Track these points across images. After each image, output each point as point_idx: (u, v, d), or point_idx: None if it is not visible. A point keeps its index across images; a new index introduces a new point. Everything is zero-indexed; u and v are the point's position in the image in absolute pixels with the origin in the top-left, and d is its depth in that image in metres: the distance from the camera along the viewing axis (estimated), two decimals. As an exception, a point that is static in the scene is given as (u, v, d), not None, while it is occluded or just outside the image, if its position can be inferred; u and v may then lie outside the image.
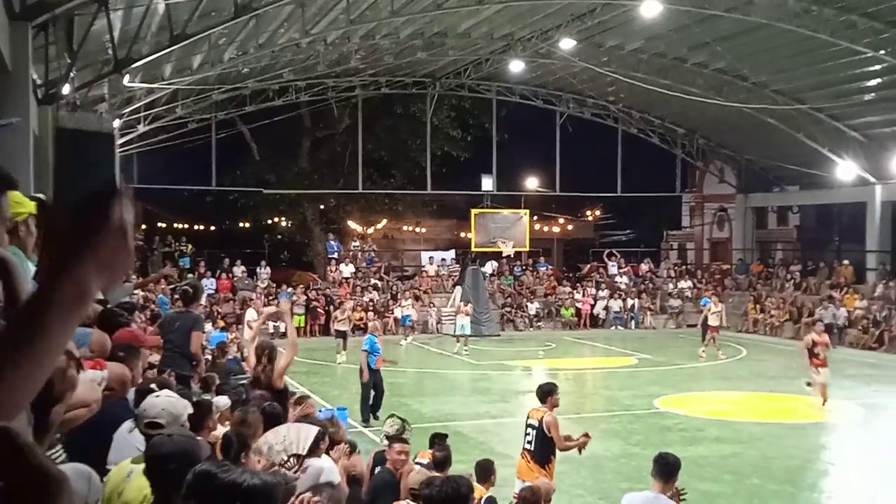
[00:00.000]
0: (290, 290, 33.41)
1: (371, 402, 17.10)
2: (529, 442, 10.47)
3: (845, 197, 35.40)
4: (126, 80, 21.69)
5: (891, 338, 29.12)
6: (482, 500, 8.29)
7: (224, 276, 34.78)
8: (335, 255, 37.28)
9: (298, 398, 9.95)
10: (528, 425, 10.65)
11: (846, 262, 35.45)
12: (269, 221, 53.95)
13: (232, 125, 35.88)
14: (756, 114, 31.48)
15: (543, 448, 10.32)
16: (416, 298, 34.69)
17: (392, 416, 9.54)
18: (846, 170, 32.91)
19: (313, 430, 6.25)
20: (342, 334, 26.32)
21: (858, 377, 23.05)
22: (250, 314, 25.92)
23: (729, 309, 36.87)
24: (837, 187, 34.41)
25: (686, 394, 20.94)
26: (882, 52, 25.58)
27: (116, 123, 27.49)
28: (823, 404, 18.59)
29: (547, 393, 10.79)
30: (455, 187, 38.90)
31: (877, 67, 27.40)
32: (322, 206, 43.33)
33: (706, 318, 28.55)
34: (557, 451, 10.47)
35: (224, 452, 5.21)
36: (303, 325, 32.43)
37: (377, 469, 8.65)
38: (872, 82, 29.07)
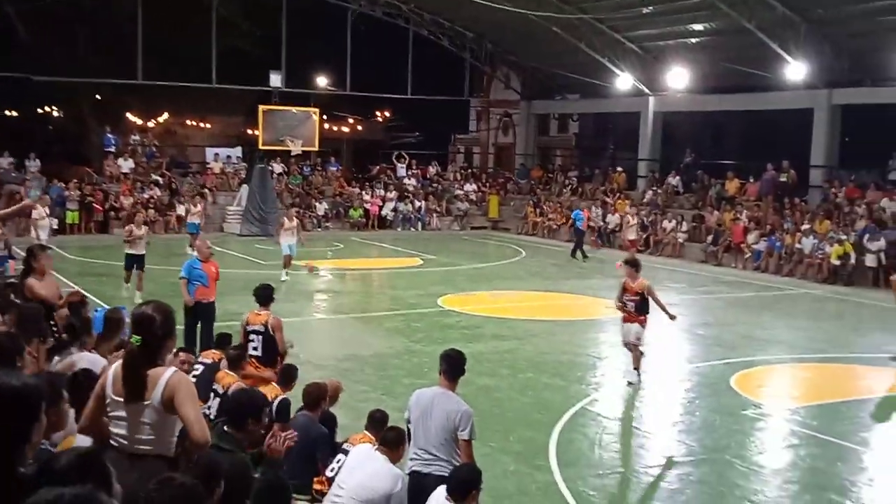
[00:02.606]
0: (61, 185, 31.50)
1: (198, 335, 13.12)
2: (255, 348, 10.19)
3: (621, 107, 37.19)
4: None
5: (656, 241, 31.23)
6: (276, 400, 8.41)
7: (-12, 167, 32.37)
8: (112, 149, 35.39)
9: (73, 294, 9.42)
10: (250, 332, 10.29)
11: (620, 169, 37.47)
12: (41, 111, 50.50)
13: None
14: (542, 21, 32.23)
15: (271, 351, 10.21)
16: (201, 196, 33.69)
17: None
18: (623, 81, 34.52)
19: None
20: (137, 260, 18.87)
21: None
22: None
23: (510, 212, 38.35)
24: (615, 97, 36.04)
25: (468, 293, 21.66)
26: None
27: None
28: (634, 377, 13.53)
29: (270, 296, 10.76)
30: (242, 82, 37.59)
31: (655, -18, 28.67)
32: (98, 97, 40.89)
33: (575, 230, 30.04)
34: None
35: None
36: (77, 221, 30.89)
37: None
38: (650, -4, 30.37)
